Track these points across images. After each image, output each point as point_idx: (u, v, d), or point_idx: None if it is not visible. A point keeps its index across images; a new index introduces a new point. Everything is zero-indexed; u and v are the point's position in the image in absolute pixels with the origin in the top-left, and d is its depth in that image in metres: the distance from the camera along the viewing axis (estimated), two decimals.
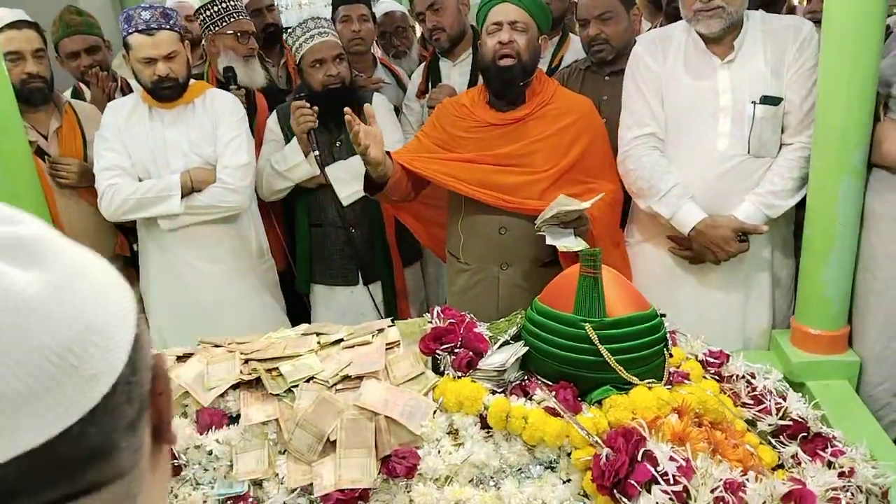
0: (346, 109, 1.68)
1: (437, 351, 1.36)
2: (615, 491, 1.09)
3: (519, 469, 1.23)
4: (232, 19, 2.54)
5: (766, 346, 1.98)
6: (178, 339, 1.88)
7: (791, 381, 1.65)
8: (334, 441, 1.26)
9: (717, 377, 1.42)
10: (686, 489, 1.06)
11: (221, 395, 1.34)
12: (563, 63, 2.49)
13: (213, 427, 1.31)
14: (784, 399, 1.37)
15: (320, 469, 1.24)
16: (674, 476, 1.06)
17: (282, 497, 1.26)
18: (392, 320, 1.53)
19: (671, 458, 1.08)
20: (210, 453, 1.29)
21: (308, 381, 1.34)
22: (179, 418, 1.33)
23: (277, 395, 1.33)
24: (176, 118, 2.14)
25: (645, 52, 1.97)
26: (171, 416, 0.45)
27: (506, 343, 1.38)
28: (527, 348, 1.33)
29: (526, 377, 1.32)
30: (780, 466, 1.27)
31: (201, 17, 2.62)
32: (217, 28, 2.56)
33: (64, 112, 2.26)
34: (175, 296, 2.23)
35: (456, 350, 1.35)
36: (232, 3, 2.55)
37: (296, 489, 1.25)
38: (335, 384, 1.33)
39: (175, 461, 1.29)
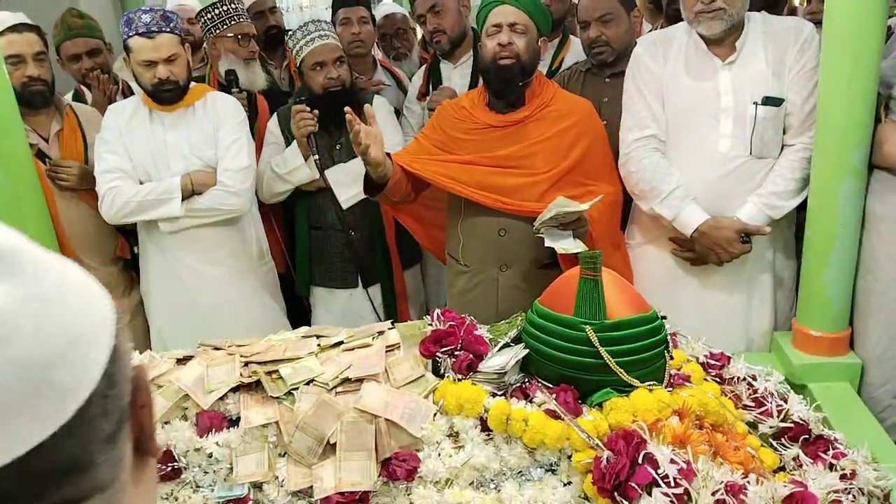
0: (347, 109, 1.69)
1: (438, 353, 1.36)
2: (616, 493, 1.08)
3: (519, 472, 1.23)
4: (232, 22, 2.54)
5: (767, 346, 1.98)
6: (179, 342, 1.88)
7: (792, 383, 1.64)
8: (334, 444, 1.26)
9: (718, 379, 1.42)
10: (687, 492, 1.06)
11: (221, 398, 1.34)
12: (563, 65, 2.49)
13: (213, 430, 1.31)
14: (785, 401, 1.37)
15: (320, 472, 1.24)
16: (675, 478, 1.06)
17: (282, 500, 1.26)
18: (392, 323, 1.53)
19: (672, 461, 1.08)
20: (210, 456, 1.29)
21: (308, 383, 1.34)
22: (179, 421, 1.33)
23: (277, 397, 1.33)
24: (176, 121, 2.15)
25: (646, 53, 1.96)
26: (153, 428, 0.44)
27: (506, 345, 1.38)
28: (527, 351, 1.33)
29: (526, 380, 1.32)
30: (782, 469, 1.26)
31: (202, 20, 2.63)
32: (218, 31, 2.57)
33: (65, 115, 2.26)
34: (175, 298, 2.23)
35: (456, 352, 1.35)
36: (233, 5, 2.55)
37: (296, 492, 1.25)
38: (335, 387, 1.33)
39: (175, 464, 1.29)
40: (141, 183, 2.12)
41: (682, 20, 1.93)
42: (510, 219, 1.90)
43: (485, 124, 1.93)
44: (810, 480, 1.17)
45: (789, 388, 1.46)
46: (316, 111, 2.23)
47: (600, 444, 1.14)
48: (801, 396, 1.43)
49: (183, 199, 2.09)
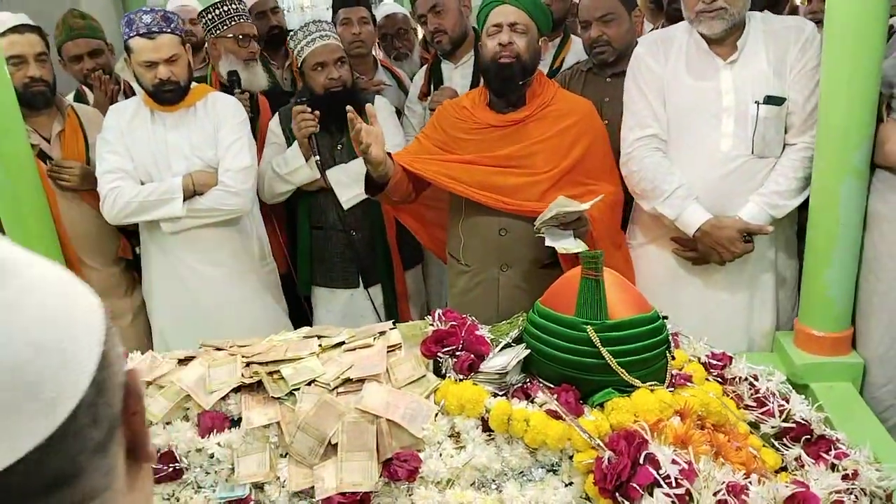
0: (349, 108, 1.69)
1: (439, 354, 1.36)
2: (617, 494, 1.08)
3: (521, 472, 1.23)
4: (233, 22, 2.55)
5: (769, 345, 1.97)
6: (180, 342, 1.88)
7: (794, 383, 1.64)
8: (335, 444, 1.26)
9: (719, 379, 1.42)
10: (688, 492, 1.05)
11: (223, 399, 1.34)
12: (564, 65, 2.49)
13: (215, 430, 1.31)
14: (787, 401, 1.36)
15: (321, 472, 1.24)
16: (676, 479, 1.06)
17: (283, 500, 1.26)
18: (393, 323, 1.53)
19: (673, 461, 1.08)
20: (211, 456, 1.29)
21: (309, 384, 1.34)
22: (181, 421, 1.33)
23: (279, 398, 1.33)
24: (178, 121, 2.15)
25: (646, 53, 1.96)
26: (146, 434, 0.43)
27: (507, 346, 1.38)
28: (528, 351, 1.33)
29: (528, 380, 1.32)
30: (784, 469, 1.26)
31: (204, 21, 2.63)
32: (218, 31, 2.57)
33: (66, 115, 2.27)
34: (177, 299, 2.24)
35: (457, 353, 1.35)
36: (233, 6, 2.55)
37: (297, 492, 1.25)
38: (336, 387, 1.33)
39: (176, 464, 1.29)
40: (142, 183, 2.12)
41: (682, 20, 1.93)
42: (511, 218, 1.90)
43: (485, 124, 1.93)
44: (812, 481, 1.17)
45: (791, 388, 1.46)
46: (317, 112, 2.24)
47: (601, 444, 1.14)
48: (803, 396, 1.43)
49: (184, 200, 2.09)
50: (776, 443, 1.31)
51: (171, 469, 1.29)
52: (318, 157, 2.26)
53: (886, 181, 1.75)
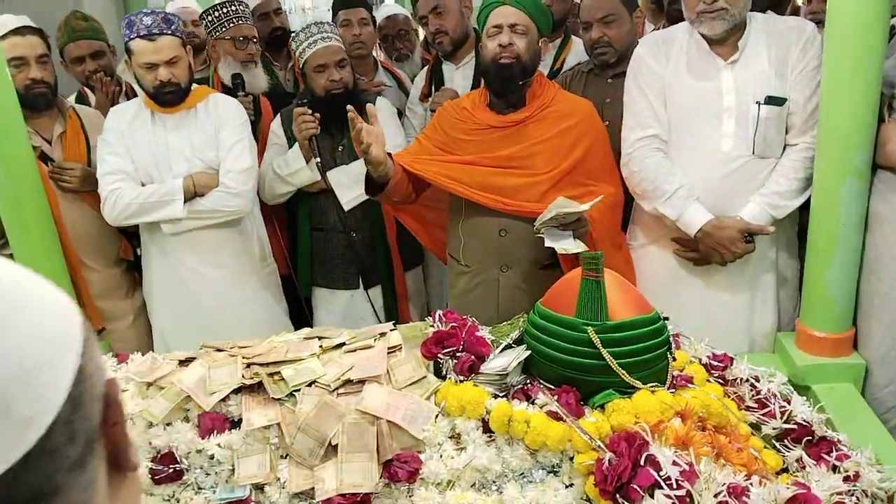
0: (349, 107, 1.69)
1: (439, 355, 1.36)
2: (618, 495, 1.08)
3: (521, 473, 1.22)
4: (231, 24, 2.55)
5: (771, 346, 1.97)
6: (181, 343, 1.88)
7: (796, 384, 1.64)
8: (336, 445, 1.26)
9: (720, 380, 1.41)
10: (689, 494, 1.05)
11: (223, 400, 1.34)
12: (565, 65, 2.49)
13: (215, 431, 1.31)
14: (788, 402, 1.36)
15: (322, 473, 1.24)
16: (677, 480, 1.06)
17: (283, 501, 1.26)
18: (394, 324, 1.53)
19: (674, 463, 1.08)
20: (212, 457, 1.29)
21: (310, 385, 1.34)
22: (181, 422, 1.34)
23: (279, 399, 1.33)
24: (178, 123, 2.15)
25: (647, 53, 1.96)
26: (128, 443, 0.42)
27: (508, 347, 1.38)
28: (529, 352, 1.33)
29: (528, 381, 1.32)
30: (785, 470, 1.26)
31: (205, 23, 2.64)
32: (218, 33, 2.58)
33: (68, 117, 2.27)
34: (178, 300, 2.24)
35: (458, 354, 1.35)
36: (232, 7, 2.55)
37: (297, 493, 1.25)
38: (337, 388, 1.33)
39: (176, 465, 1.29)
40: (143, 185, 2.12)
41: (684, 20, 1.93)
42: (511, 219, 1.90)
43: (486, 125, 1.93)
44: (813, 482, 1.17)
45: (792, 389, 1.46)
46: (317, 114, 2.24)
47: (602, 445, 1.14)
48: (805, 398, 1.42)
49: (185, 201, 2.09)
50: (777, 444, 1.31)
51: (171, 470, 1.29)
52: (318, 159, 2.26)
53: (888, 182, 1.75)
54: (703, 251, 1.90)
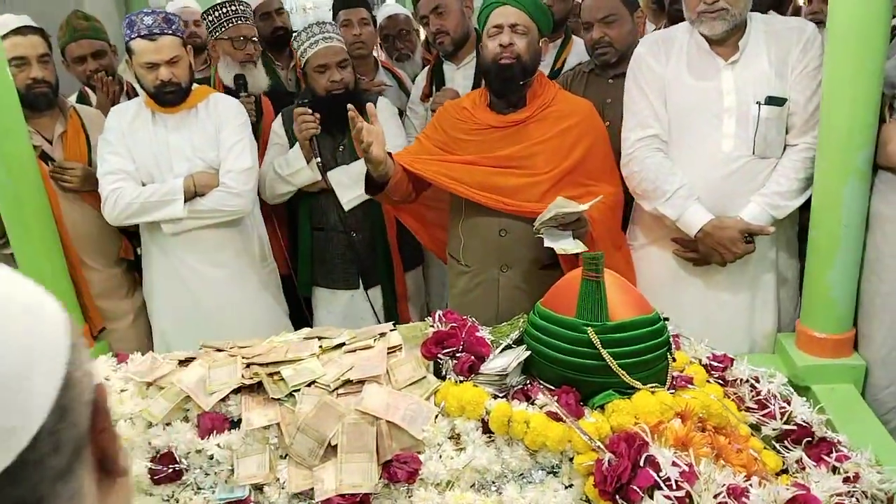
0: (350, 106, 1.69)
1: (439, 355, 1.36)
2: (617, 496, 1.08)
3: (521, 474, 1.22)
4: (230, 24, 2.55)
5: (771, 347, 1.97)
6: (181, 343, 1.88)
7: (796, 385, 1.63)
8: (335, 446, 1.26)
9: (720, 381, 1.41)
10: (689, 494, 1.05)
11: (223, 400, 1.34)
12: (566, 65, 2.49)
13: (215, 431, 1.31)
14: (788, 403, 1.36)
15: (321, 474, 1.24)
16: (676, 481, 1.05)
17: (283, 502, 1.26)
18: (394, 324, 1.53)
19: (674, 464, 1.08)
20: (211, 458, 1.29)
21: (309, 385, 1.34)
22: (181, 422, 1.34)
23: (279, 399, 1.33)
24: (179, 123, 2.15)
25: (647, 53, 1.96)
26: (117, 449, 0.42)
27: (508, 347, 1.38)
28: (529, 352, 1.33)
29: (528, 381, 1.32)
30: (785, 471, 1.26)
31: (206, 23, 2.64)
32: (217, 33, 2.58)
33: (69, 117, 2.27)
34: (178, 300, 2.24)
35: (458, 354, 1.35)
36: (231, 7, 2.55)
37: (297, 494, 1.25)
38: (336, 388, 1.33)
39: (176, 465, 1.29)
40: (144, 185, 2.13)
41: (684, 20, 1.92)
42: (511, 219, 1.90)
43: (486, 125, 1.93)
44: (813, 483, 1.17)
45: (792, 390, 1.45)
46: (318, 114, 2.24)
47: (602, 446, 1.14)
48: (805, 398, 1.42)
49: (186, 201, 2.09)
50: (777, 445, 1.31)
51: (170, 470, 1.29)
52: (319, 159, 2.27)
53: (889, 182, 1.75)
54: (703, 251, 1.90)
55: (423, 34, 3.11)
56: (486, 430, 1.24)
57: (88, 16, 2.60)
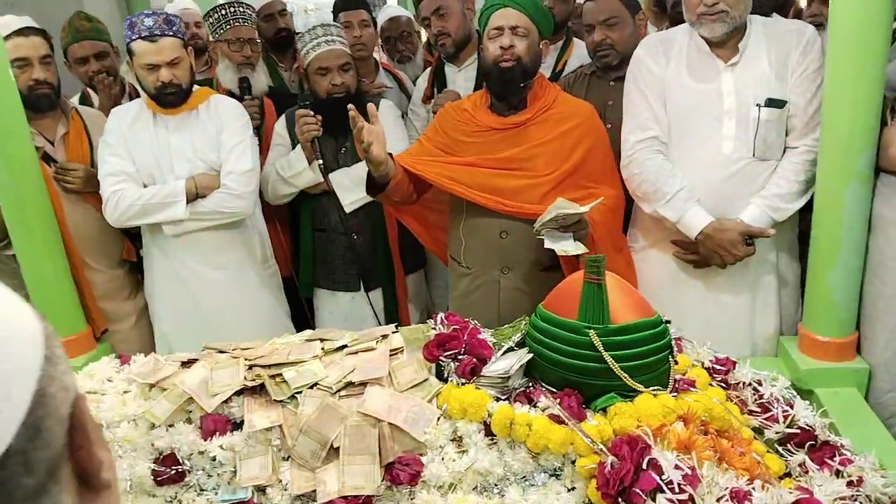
0: (350, 106, 1.69)
1: (441, 357, 1.36)
2: (620, 499, 1.08)
3: (523, 476, 1.22)
4: (228, 26, 2.55)
5: (773, 350, 1.97)
6: (183, 345, 1.88)
7: (799, 389, 1.63)
8: (338, 447, 1.26)
9: (723, 384, 1.41)
10: (692, 497, 1.05)
11: (225, 401, 1.34)
12: (567, 68, 2.49)
13: (217, 433, 1.31)
14: (791, 407, 1.36)
15: (324, 475, 1.24)
16: (679, 484, 1.05)
17: (285, 503, 1.26)
18: (396, 326, 1.53)
19: (676, 467, 1.07)
20: (214, 459, 1.29)
21: (312, 387, 1.34)
22: (184, 424, 1.34)
23: (281, 401, 1.33)
24: (180, 124, 2.15)
25: (647, 55, 1.96)
26: (97, 465, 0.40)
27: (510, 350, 1.38)
28: (531, 355, 1.33)
29: (530, 384, 1.32)
30: (788, 475, 1.26)
31: (207, 24, 2.64)
32: (217, 35, 2.58)
33: (71, 118, 2.27)
34: (179, 301, 2.24)
35: (460, 357, 1.35)
36: (231, 9, 2.55)
37: (299, 495, 1.25)
38: (339, 390, 1.33)
39: (179, 467, 1.29)
40: (145, 186, 2.13)
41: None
42: (511, 221, 1.90)
43: (486, 127, 1.93)
44: (816, 487, 1.16)
45: (795, 393, 1.45)
46: (319, 116, 2.24)
47: (604, 449, 1.14)
48: (808, 402, 1.42)
49: (187, 203, 2.09)
50: (780, 448, 1.31)
51: (173, 471, 1.29)
52: (320, 161, 2.27)
53: (891, 185, 1.75)
54: (703, 253, 1.90)
55: (424, 36, 3.11)
56: (489, 432, 1.24)
57: (91, 17, 2.61)
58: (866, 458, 1.25)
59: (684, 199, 1.88)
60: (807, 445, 1.29)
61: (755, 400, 1.38)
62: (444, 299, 2.67)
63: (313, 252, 2.47)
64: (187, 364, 1.45)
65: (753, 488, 1.09)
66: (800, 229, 2.01)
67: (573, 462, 1.19)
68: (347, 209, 2.34)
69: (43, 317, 0.38)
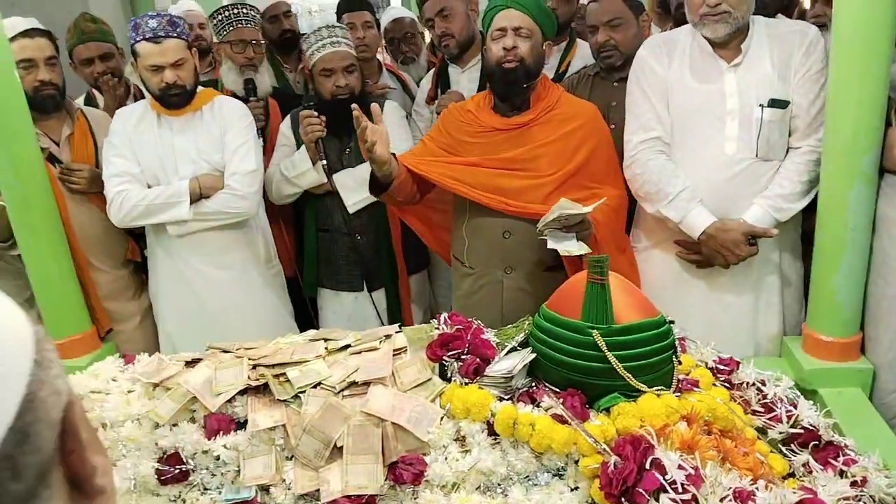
0: (354, 105, 1.70)
1: (444, 357, 1.36)
2: (623, 499, 1.08)
3: (526, 476, 1.22)
4: (231, 28, 2.56)
5: (777, 350, 1.97)
6: (187, 345, 1.89)
7: (803, 389, 1.63)
8: (341, 447, 1.26)
9: (727, 384, 1.41)
10: (695, 498, 1.05)
11: (229, 401, 1.34)
12: (570, 68, 2.49)
13: (221, 432, 1.31)
14: (795, 407, 1.36)
15: (327, 475, 1.25)
16: (682, 484, 1.05)
17: (289, 503, 1.26)
18: (399, 326, 1.53)
19: (680, 467, 1.07)
20: (217, 458, 1.30)
21: (315, 386, 1.34)
22: (187, 423, 1.34)
23: (285, 400, 1.33)
24: (184, 125, 2.16)
25: (649, 55, 1.96)
26: (91, 470, 0.39)
27: (513, 349, 1.38)
28: (534, 355, 1.33)
29: (533, 384, 1.32)
30: (791, 475, 1.26)
31: (212, 25, 2.65)
32: (221, 37, 2.59)
33: (76, 119, 2.29)
34: (183, 301, 2.24)
35: (463, 356, 1.35)
36: (234, 11, 2.56)
37: (303, 495, 1.25)
38: (342, 390, 1.34)
39: (182, 466, 1.29)
40: (149, 187, 2.13)
41: None
42: (515, 221, 1.90)
43: (490, 127, 1.94)
44: (820, 487, 1.16)
45: (799, 393, 1.45)
46: (323, 117, 2.25)
47: (608, 449, 1.14)
48: (812, 402, 1.42)
49: (191, 203, 2.10)
50: (784, 448, 1.31)
51: (177, 471, 1.29)
52: (325, 162, 2.27)
53: (895, 185, 1.74)
54: (706, 254, 1.90)
55: (428, 37, 3.11)
56: (492, 432, 1.24)
57: (96, 18, 2.62)
58: (870, 458, 1.25)
59: (687, 199, 1.88)
60: (810, 445, 1.29)
61: (759, 400, 1.38)
62: (447, 299, 2.67)
63: (317, 252, 2.48)
64: (191, 364, 1.45)
65: (757, 488, 1.09)
66: (803, 229, 2.00)
67: (576, 462, 1.19)
68: (351, 210, 2.35)
69: (36, 320, 0.38)
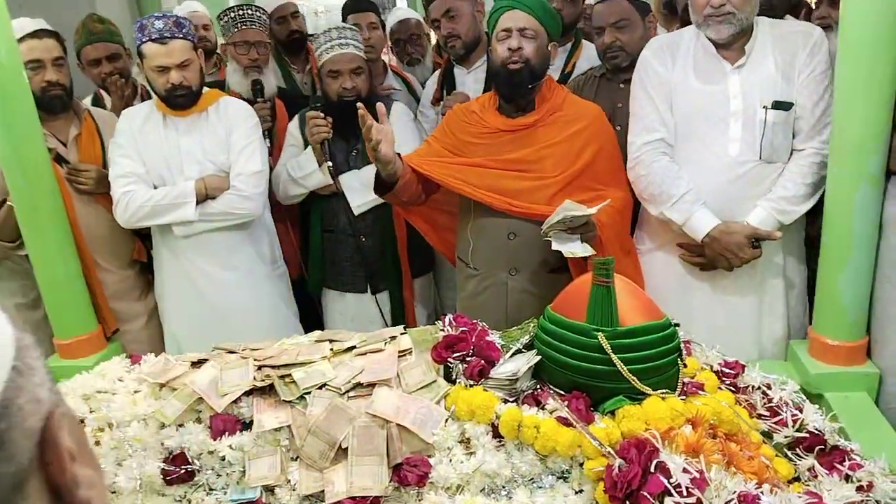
0: (359, 104, 1.70)
1: (450, 359, 1.36)
2: (628, 502, 1.08)
3: (531, 479, 1.22)
4: (237, 29, 2.57)
5: (781, 352, 1.96)
6: (193, 345, 1.89)
7: (808, 393, 1.62)
8: (346, 448, 1.26)
9: (732, 388, 1.41)
10: (699, 501, 1.05)
11: (235, 402, 1.35)
12: (576, 69, 2.49)
13: (227, 433, 1.32)
14: (801, 411, 1.35)
15: (332, 476, 1.25)
16: (687, 488, 1.05)
17: (294, 503, 1.26)
18: (404, 328, 1.53)
19: (684, 470, 1.07)
20: (223, 459, 1.30)
21: (320, 388, 1.35)
22: (193, 423, 1.35)
23: (290, 401, 1.34)
24: (190, 126, 2.17)
25: (653, 57, 1.96)
26: (75, 484, 0.38)
27: (518, 352, 1.38)
28: (539, 357, 1.33)
29: (538, 386, 1.32)
30: (797, 479, 1.25)
31: (220, 25, 2.66)
32: (226, 38, 2.60)
33: (83, 119, 2.30)
34: (189, 302, 2.25)
35: (468, 358, 1.36)
36: (240, 12, 2.57)
37: (307, 496, 1.26)
38: (347, 391, 1.34)
39: (188, 466, 1.30)
40: (155, 187, 2.14)
41: None
42: (519, 222, 1.90)
43: (495, 128, 1.94)
44: (825, 492, 1.16)
45: (804, 397, 1.45)
46: (330, 118, 2.25)
47: (612, 452, 1.14)
48: (818, 406, 1.41)
49: (197, 204, 2.11)
50: (789, 453, 1.30)
51: (182, 471, 1.30)
52: (330, 163, 2.28)
53: None
54: (709, 256, 1.90)
55: (433, 38, 3.12)
56: (496, 434, 1.24)
57: (104, 19, 2.63)
58: (876, 462, 1.24)
59: (690, 201, 1.88)
60: (816, 450, 1.29)
61: (764, 404, 1.38)
62: (452, 300, 2.67)
63: (322, 253, 2.48)
64: (197, 364, 1.46)
65: (762, 492, 1.09)
66: (806, 233, 2.00)
67: (581, 465, 1.19)
68: (356, 211, 2.35)
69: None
